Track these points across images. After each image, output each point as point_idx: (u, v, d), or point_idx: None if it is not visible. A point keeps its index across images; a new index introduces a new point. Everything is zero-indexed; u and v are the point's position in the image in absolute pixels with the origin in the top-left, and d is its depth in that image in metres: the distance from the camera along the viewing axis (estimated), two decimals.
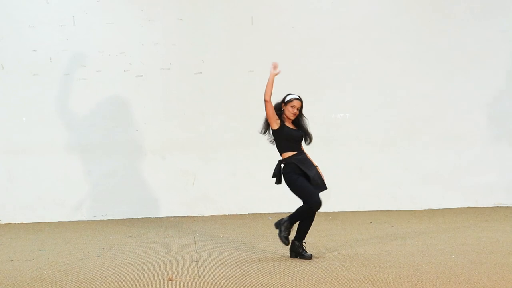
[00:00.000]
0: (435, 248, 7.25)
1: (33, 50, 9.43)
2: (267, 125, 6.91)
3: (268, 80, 6.81)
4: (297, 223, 6.94)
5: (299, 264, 6.68)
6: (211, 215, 9.57)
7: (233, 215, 9.56)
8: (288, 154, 6.84)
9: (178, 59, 9.60)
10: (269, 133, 6.94)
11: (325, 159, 9.71)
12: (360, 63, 9.73)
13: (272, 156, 9.82)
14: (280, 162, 6.92)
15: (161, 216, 9.57)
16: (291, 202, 9.70)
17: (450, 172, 9.83)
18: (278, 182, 6.93)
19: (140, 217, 9.55)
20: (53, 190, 9.46)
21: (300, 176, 6.77)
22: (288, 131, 6.81)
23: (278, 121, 6.82)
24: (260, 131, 6.98)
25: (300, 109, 6.87)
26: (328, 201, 9.57)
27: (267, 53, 9.64)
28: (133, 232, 8.55)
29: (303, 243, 6.91)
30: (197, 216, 9.57)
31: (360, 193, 9.74)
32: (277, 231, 7.14)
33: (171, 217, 9.54)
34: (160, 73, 9.59)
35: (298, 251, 6.90)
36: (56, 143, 9.48)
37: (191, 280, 6.17)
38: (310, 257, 6.82)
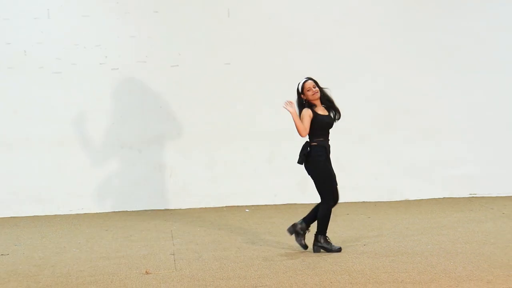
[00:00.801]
0: (411, 239, 7.30)
1: (7, 43, 9.33)
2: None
3: (293, 119, 6.68)
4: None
5: (276, 256, 6.70)
6: (188, 208, 9.55)
7: (210, 208, 9.55)
8: (320, 139, 6.76)
9: (154, 51, 9.55)
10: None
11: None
12: (339, 54, 9.71)
13: (249, 148, 9.85)
14: (307, 144, 6.78)
15: (138, 209, 9.53)
16: (268, 195, 9.73)
17: (426, 164, 9.88)
18: (301, 162, 6.79)
19: (116, 210, 9.50)
20: (28, 184, 9.38)
21: (328, 165, 6.74)
22: (321, 120, 6.76)
23: (311, 114, 6.74)
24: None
25: (317, 85, 6.82)
26: (305, 192, 9.60)
27: (244, 45, 9.63)
28: (109, 226, 8.52)
29: (307, 231, 6.88)
30: (174, 209, 9.55)
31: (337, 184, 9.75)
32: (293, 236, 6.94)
33: (148, 210, 9.51)
34: (136, 66, 9.53)
35: (299, 233, 6.82)
36: (31, 137, 9.39)
37: (168, 273, 6.16)
38: (339, 250, 6.81)
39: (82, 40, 9.42)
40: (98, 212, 9.44)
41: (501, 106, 9.92)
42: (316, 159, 6.75)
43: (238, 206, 9.61)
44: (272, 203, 9.66)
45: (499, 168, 9.90)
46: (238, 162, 9.70)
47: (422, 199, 9.78)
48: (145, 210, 9.52)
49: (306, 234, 6.90)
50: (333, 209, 6.71)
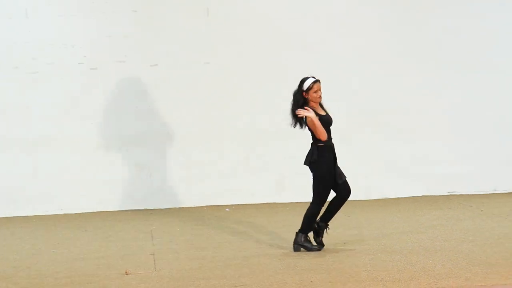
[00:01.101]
0: (390, 237, 7.32)
1: None
2: (296, 118, 6.74)
3: (315, 124, 6.63)
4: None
5: (256, 256, 6.69)
6: (168, 208, 9.51)
7: (190, 207, 9.51)
8: (325, 139, 6.72)
9: (133, 51, 9.51)
10: (299, 125, 6.77)
11: (281, 150, 9.74)
12: (320, 53, 9.67)
13: (228, 148, 9.82)
14: (314, 146, 6.74)
15: (117, 209, 9.47)
16: (248, 194, 9.71)
17: (405, 162, 9.91)
18: (307, 163, 6.78)
19: (96, 211, 9.43)
20: (4, 184, 9.28)
21: (333, 166, 6.72)
22: (324, 120, 6.73)
23: (316, 116, 6.69)
24: (290, 124, 6.78)
25: None
26: (285, 192, 9.61)
27: (224, 44, 9.60)
28: (88, 226, 8.46)
29: (327, 228, 6.88)
30: (154, 209, 9.50)
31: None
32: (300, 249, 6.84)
33: (128, 210, 9.45)
34: (115, 65, 9.48)
35: (302, 244, 6.80)
36: (8, 137, 9.30)
37: (147, 274, 6.13)
38: (319, 249, 6.77)
39: (60, 39, 9.36)
40: (76, 212, 9.36)
41: (478, 105, 9.97)
42: (322, 159, 6.72)
43: (217, 205, 9.58)
44: (252, 203, 9.64)
45: (477, 166, 9.96)
46: (217, 161, 9.67)
47: (401, 197, 9.81)
48: (124, 210, 9.46)
49: (325, 232, 6.88)
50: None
